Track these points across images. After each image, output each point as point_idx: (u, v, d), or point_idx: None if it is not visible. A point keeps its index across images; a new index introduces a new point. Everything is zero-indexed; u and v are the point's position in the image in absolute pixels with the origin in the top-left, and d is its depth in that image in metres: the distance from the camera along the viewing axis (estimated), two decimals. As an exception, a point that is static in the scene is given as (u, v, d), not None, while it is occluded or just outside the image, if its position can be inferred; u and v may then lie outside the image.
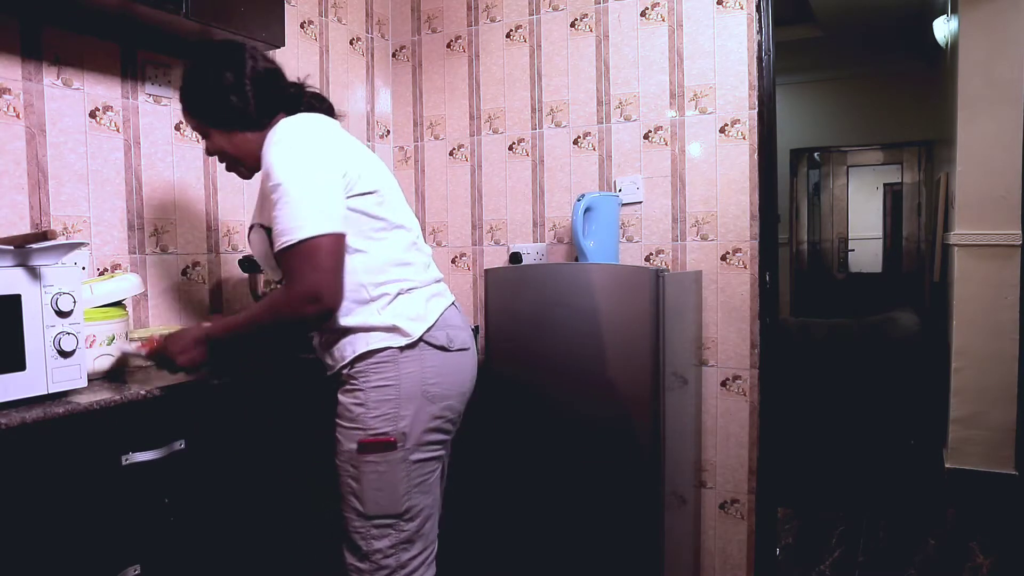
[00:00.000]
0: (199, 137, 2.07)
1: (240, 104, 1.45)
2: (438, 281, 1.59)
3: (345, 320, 1.43)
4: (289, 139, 1.36)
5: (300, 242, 1.30)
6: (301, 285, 1.31)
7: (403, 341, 1.44)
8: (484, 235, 2.70)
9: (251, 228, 1.53)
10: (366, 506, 1.43)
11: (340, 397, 1.47)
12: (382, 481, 1.41)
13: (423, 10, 2.78)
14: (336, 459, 1.46)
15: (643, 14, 2.40)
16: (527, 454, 2.14)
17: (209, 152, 1.53)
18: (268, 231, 1.39)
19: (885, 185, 7.39)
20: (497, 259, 2.67)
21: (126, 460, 1.38)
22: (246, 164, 1.51)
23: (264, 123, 1.46)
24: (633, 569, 2.04)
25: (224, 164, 1.54)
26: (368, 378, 1.42)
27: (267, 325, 1.39)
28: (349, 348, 1.45)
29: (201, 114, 1.49)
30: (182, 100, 1.52)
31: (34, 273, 1.31)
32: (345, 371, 1.46)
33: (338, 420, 1.46)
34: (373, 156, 1.53)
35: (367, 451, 1.40)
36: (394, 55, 2.85)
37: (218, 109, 1.46)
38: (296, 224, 1.30)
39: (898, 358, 4.14)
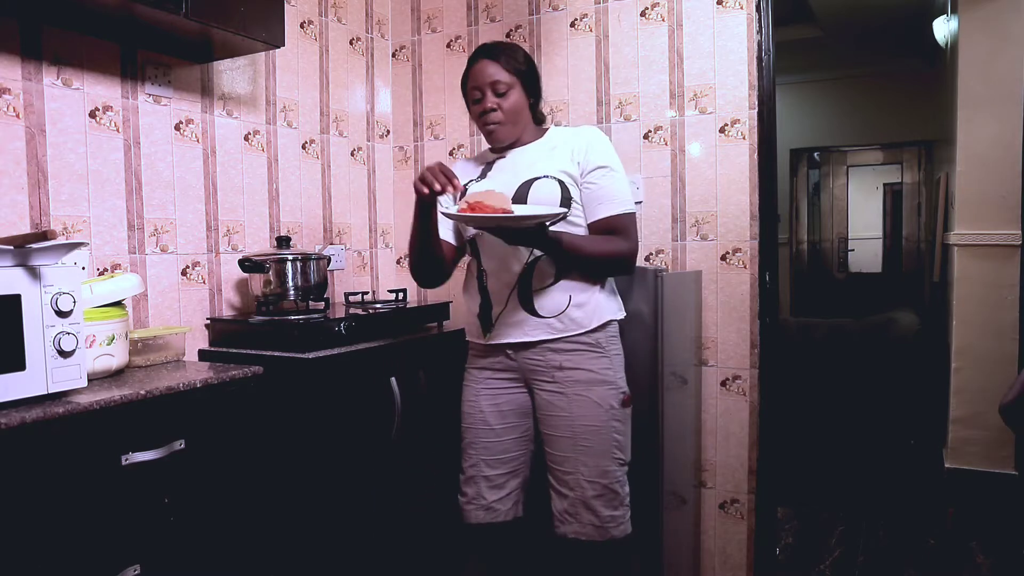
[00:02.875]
0: (199, 136, 2.09)
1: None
2: None
3: (607, 283, 1.73)
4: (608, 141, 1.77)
5: (632, 212, 1.72)
6: (636, 240, 1.72)
7: (622, 315, 1.76)
8: (484, 235, 2.69)
9: (535, 179, 1.69)
10: (626, 453, 1.71)
11: (587, 364, 1.66)
12: (629, 430, 1.73)
13: (423, 10, 2.77)
14: (590, 422, 1.66)
15: (643, 14, 2.40)
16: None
17: (499, 107, 1.71)
18: (560, 183, 1.68)
19: (885, 185, 7.40)
20: (497, 259, 2.66)
21: (126, 460, 1.38)
22: (516, 123, 1.76)
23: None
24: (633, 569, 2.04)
25: (497, 115, 1.72)
26: (610, 346, 1.70)
27: (605, 259, 1.68)
28: (597, 315, 1.67)
29: (525, 77, 1.76)
30: (518, 65, 1.75)
31: (34, 273, 1.31)
32: (586, 337, 1.66)
33: (590, 385, 1.66)
34: None
35: (626, 406, 1.71)
36: (394, 55, 2.85)
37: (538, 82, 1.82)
38: (629, 197, 1.72)
39: (898, 358, 4.14)
